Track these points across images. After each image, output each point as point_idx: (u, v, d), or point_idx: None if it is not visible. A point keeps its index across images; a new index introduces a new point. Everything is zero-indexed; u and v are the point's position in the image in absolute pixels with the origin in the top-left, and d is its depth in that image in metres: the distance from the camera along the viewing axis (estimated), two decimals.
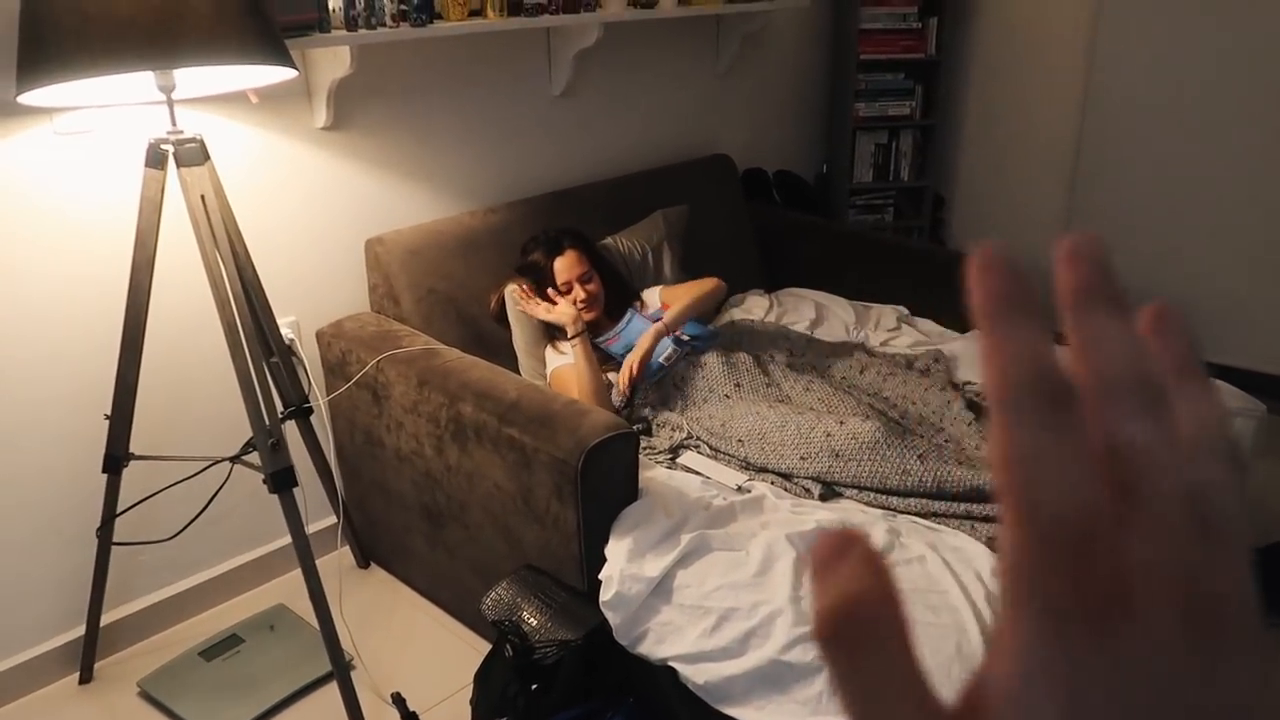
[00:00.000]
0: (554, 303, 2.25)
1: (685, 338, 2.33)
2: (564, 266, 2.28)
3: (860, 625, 0.21)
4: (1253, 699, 0.20)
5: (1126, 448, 0.21)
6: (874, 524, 1.78)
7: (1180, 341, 0.24)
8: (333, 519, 2.39)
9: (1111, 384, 0.22)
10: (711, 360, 2.24)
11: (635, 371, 2.15)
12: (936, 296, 2.80)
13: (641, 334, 2.26)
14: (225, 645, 2.09)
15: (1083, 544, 0.20)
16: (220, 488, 1.97)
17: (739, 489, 1.94)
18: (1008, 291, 0.23)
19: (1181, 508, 0.21)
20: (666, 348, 2.26)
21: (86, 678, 2.05)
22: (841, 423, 1.96)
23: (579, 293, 2.27)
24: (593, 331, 2.29)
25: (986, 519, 1.78)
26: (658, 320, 2.34)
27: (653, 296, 2.46)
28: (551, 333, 2.34)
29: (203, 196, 1.67)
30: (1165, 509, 0.21)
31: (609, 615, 1.69)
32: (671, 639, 1.65)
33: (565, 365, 2.25)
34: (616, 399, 2.21)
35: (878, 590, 0.21)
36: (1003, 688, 0.20)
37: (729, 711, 1.60)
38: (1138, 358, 0.22)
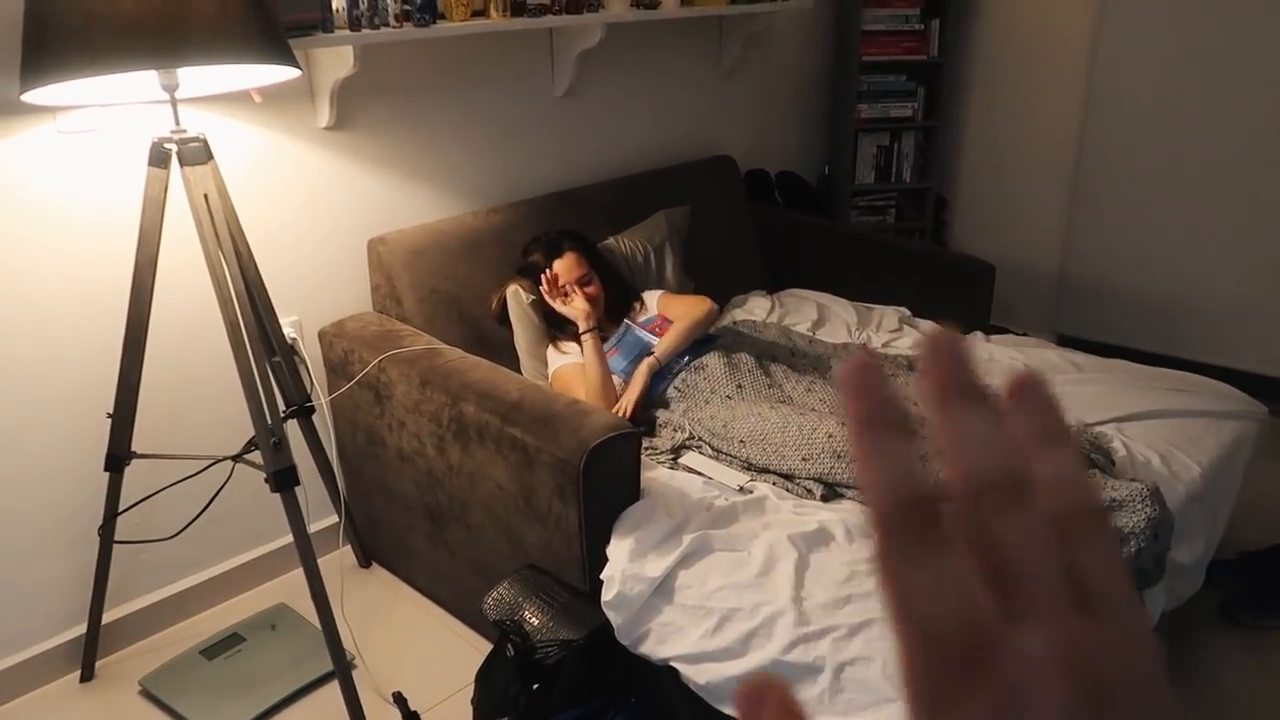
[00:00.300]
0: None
1: None
2: (563, 268, 2.28)
3: None
4: None
5: (999, 545, 0.22)
6: None
7: (1044, 410, 0.25)
8: (334, 518, 2.39)
9: (977, 482, 0.23)
10: (713, 361, 2.24)
11: (629, 413, 2.16)
12: (938, 298, 2.81)
13: (636, 352, 2.26)
14: (226, 644, 2.09)
15: (970, 655, 0.21)
16: (222, 487, 1.97)
17: (741, 490, 1.94)
18: (873, 412, 0.23)
19: (1059, 594, 0.21)
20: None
21: (88, 676, 2.06)
22: (843, 424, 1.96)
23: (578, 295, 2.27)
24: None
25: None
26: (652, 324, 2.35)
27: (652, 300, 2.45)
28: (553, 333, 2.34)
29: (206, 196, 1.67)
30: (1043, 601, 0.21)
31: (611, 615, 1.69)
32: (673, 639, 1.65)
33: (568, 365, 2.26)
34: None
35: None
36: None
37: (731, 712, 1.60)
38: (1000, 451, 0.23)
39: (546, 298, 2.26)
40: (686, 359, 2.27)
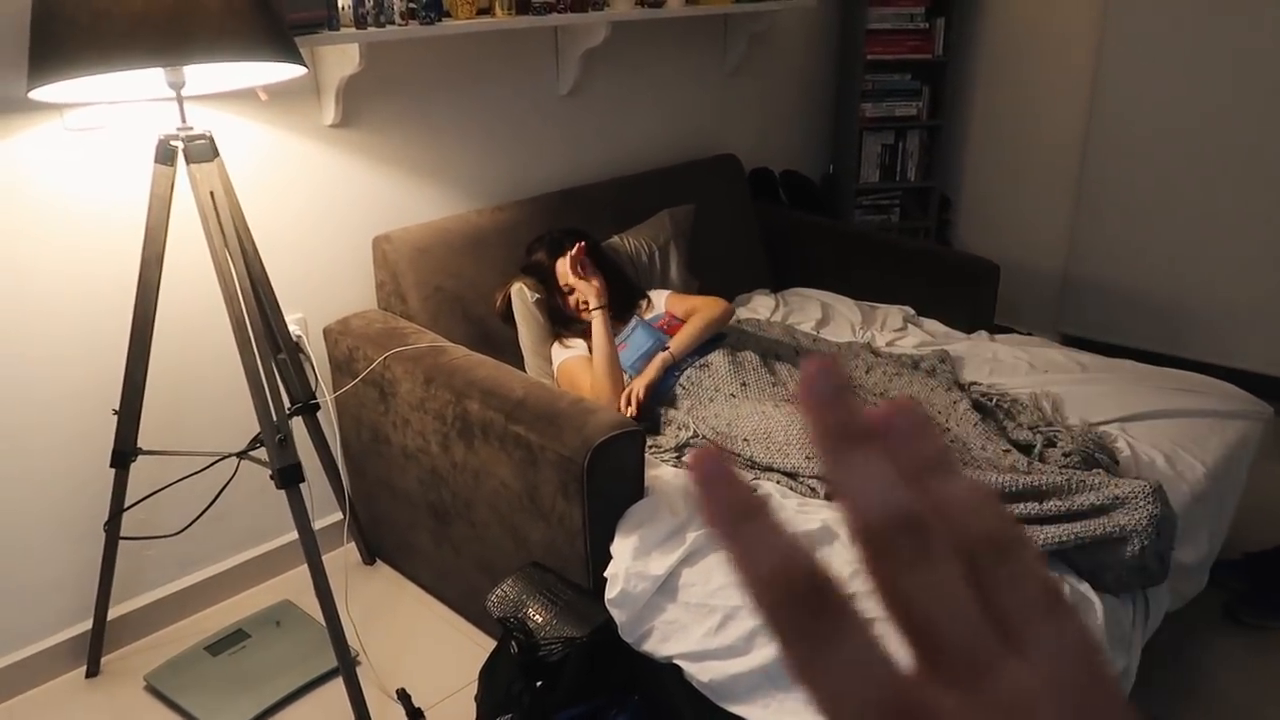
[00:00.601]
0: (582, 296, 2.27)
1: None
2: (566, 268, 2.28)
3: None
4: None
5: (912, 602, 0.22)
6: None
7: (919, 438, 0.24)
8: (339, 515, 2.40)
9: (877, 537, 0.22)
10: (718, 359, 2.24)
11: (642, 398, 2.16)
12: (942, 297, 2.81)
13: (646, 348, 2.26)
14: (231, 640, 2.10)
15: None
16: (227, 483, 1.98)
17: None
18: (728, 500, 0.23)
19: (984, 642, 0.21)
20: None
21: (93, 672, 2.06)
22: None
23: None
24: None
25: None
26: (659, 321, 2.35)
27: (660, 299, 2.45)
28: (558, 330, 2.34)
29: (212, 193, 1.68)
30: (967, 656, 0.21)
31: (614, 613, 1.70)
32: (676, 637, 1.65)
33: (573, 357, 2.26)
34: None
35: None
36: None
37: (734, 709, 1.60)
38: (893, 494, 0.22)
39: (568, 270, 2.25)
40: (692, 356, 2.28)
